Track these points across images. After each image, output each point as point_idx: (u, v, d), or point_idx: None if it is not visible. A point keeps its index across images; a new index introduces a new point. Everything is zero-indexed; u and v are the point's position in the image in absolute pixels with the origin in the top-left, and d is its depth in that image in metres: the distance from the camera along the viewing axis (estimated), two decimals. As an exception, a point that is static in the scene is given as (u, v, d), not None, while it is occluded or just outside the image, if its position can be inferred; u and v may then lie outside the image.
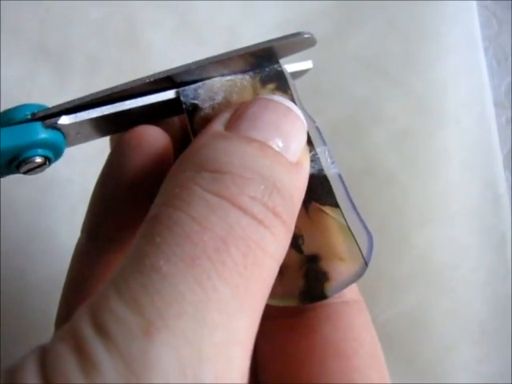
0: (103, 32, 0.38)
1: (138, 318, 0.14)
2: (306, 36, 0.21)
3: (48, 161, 0.20)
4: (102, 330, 0.14)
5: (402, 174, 0.37)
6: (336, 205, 0.20)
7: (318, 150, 0.20)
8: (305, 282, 0.20)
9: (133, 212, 0.21)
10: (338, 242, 0.20)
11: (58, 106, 0.20)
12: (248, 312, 0.15)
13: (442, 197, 0.37)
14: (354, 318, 0.21)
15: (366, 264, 0.20)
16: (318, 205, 0.20)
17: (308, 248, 0.20)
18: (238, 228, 0.15)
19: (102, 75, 0.38)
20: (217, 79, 0.21)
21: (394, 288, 0.37)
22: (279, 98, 0.20)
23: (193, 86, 0.21)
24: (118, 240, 0.22)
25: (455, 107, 0.37)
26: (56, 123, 0.20)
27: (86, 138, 0.21)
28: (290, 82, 0.22)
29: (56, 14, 0.38)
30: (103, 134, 0.22)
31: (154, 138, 0.21)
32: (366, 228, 0.20)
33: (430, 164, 0.37)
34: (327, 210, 0.20)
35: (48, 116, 0.20)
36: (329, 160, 0.21)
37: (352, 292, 0.21)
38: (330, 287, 0.19)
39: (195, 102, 0.21)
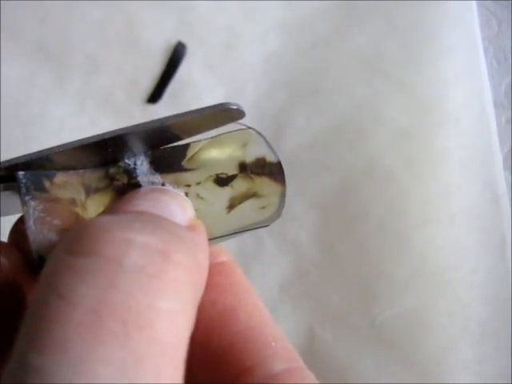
0: (103, 32, 0.38)
1: None
2: (232, 107, 0.16)
3: None
4: None
5: (402, 174, 0.37)
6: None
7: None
8: None
9: None
10: None
11: None
12: None
13: (441, 197, 0.37)
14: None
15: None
16: None
17: None
18: (113, 289, 0.13)
19: (101, 75, 0.38)
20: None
21: (394, 288, 0.37)
22: (165, 188, 0.18)
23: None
24: None
25: (455, 107, 0.37)
26: None
27: None
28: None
29: (56, 14, 0.38)
30: None
31: None
32: None
33: (430, 164, 0.37)
34: None
35: None
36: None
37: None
38: None
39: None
